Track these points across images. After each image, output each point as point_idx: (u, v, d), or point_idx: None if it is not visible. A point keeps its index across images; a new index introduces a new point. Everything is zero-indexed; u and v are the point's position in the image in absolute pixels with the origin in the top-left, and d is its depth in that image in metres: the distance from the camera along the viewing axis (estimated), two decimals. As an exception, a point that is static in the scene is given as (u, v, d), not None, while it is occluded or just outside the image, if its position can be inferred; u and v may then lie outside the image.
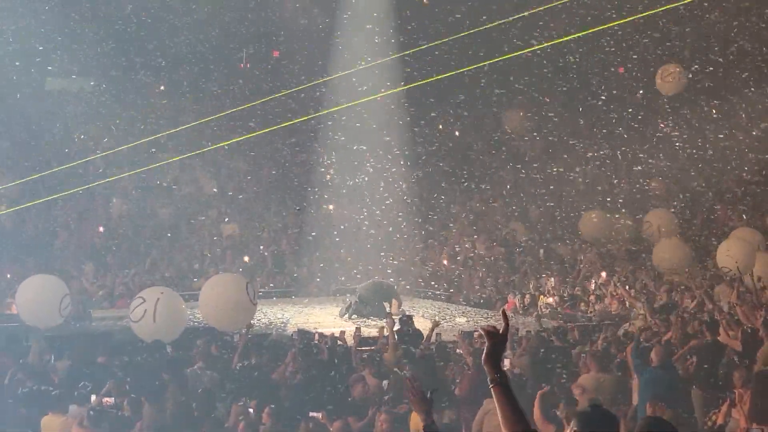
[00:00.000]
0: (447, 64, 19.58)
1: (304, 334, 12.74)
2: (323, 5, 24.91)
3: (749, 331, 11.31)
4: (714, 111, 23.81)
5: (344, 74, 19.26)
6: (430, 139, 26.23)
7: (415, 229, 22.02)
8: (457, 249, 21.59)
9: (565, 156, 24.57)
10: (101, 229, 21.02)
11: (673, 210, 21.62)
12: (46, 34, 23.06)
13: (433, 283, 20.29)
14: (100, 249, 20.17)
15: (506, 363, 10.44)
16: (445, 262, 21.07)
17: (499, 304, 17.61)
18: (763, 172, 23.13)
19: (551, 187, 24.17)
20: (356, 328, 12.75)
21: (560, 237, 22.10)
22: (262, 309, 15.87)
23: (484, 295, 18.66)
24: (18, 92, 23.31)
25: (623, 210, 22.18)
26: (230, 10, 25.17)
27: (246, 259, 20.42)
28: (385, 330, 12.24)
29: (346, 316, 16.71)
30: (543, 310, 16.62)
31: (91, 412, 8.37)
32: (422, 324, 14.19)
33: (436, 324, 12.53)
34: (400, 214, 21.78)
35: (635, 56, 25.18)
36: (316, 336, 12.34)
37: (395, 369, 10.59)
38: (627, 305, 15.66)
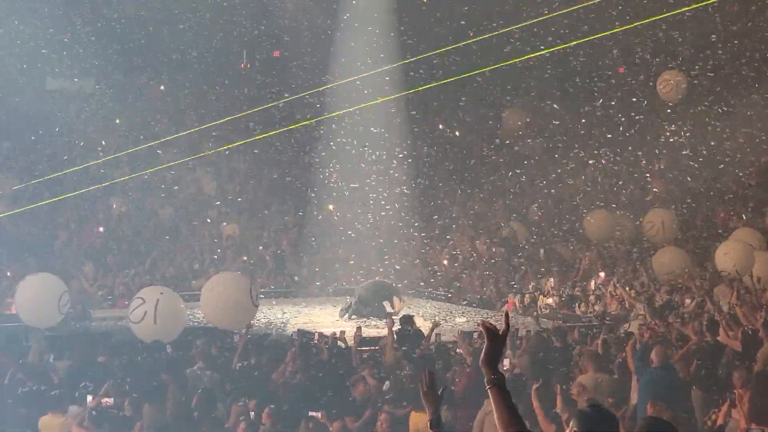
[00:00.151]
0: (448, 69, 19.64)
1: (304, 335, 12.74)
2: (323, 6, 24.91)
3: (750, 332, 11.32)
4: (717, 112, 23.79)
5: (348, 80, 19.24)
6: (431, 140, 26.23)
7: (415, 229, 22.01)
8: (457, 250, 21.58)
9: (566, 157, 24.58)
10: (101, 229, 21.03)
11: (673, 207, 21.66)
12: (47, 34, 23.08)
13: (432, 281, 20.28)
14: (101, 249, 20.17)
15: (506, 363, 10.44)
16: (445, 262, 21.07)
17: (499, 304, 17.62)
18: (764, 173, 23.14)
19: (551, 187, 24.16)
20: (357, 327, 12.75)
21: (560, 237, 22.10)
22: (262, 309, 15.87)
23: (484, 296, 18.66)
24: (18, 92, 23.30)
25: (624, 210, 22.20)
26: (231, 10, 25.17)
27: (244, 258, 20.42)
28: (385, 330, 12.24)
29: (346, 316, 16.71)
30: (542, 310, 16.62)
31: (93, 413, 8.39)
32: (422, 324, 14.19)
33: (436, 324, 12.54)
34: (401, 214, 21.77)
35: (637, 57, 25.20)
36: (316, 336, 12.34)
37: (396, 371, 10.60)
38: (627, 306, 15.66)
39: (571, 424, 3.99)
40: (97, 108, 24.81)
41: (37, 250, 18.83)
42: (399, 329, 12.84)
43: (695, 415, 10.12)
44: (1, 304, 15.49)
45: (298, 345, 11.39)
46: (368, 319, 16.36)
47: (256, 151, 24.67)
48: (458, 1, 23.63)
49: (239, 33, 26.21)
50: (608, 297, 16.66)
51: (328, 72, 23.32)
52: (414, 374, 9.75)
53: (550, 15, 18.02)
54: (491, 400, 3.81)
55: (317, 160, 23.63)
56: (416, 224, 22.08)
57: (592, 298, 17.02)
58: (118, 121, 24.54)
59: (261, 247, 21.48)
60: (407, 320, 13.31)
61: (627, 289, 16.52)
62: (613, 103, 25.03)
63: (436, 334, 12.38)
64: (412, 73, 22.28)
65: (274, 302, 18.08)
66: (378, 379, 10.26)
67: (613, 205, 22.49)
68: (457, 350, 11.62)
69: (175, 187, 23.40)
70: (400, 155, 23.21)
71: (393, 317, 13.84)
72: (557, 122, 25.79)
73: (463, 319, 16.51)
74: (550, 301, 17.34)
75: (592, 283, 18.17)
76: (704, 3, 20.22)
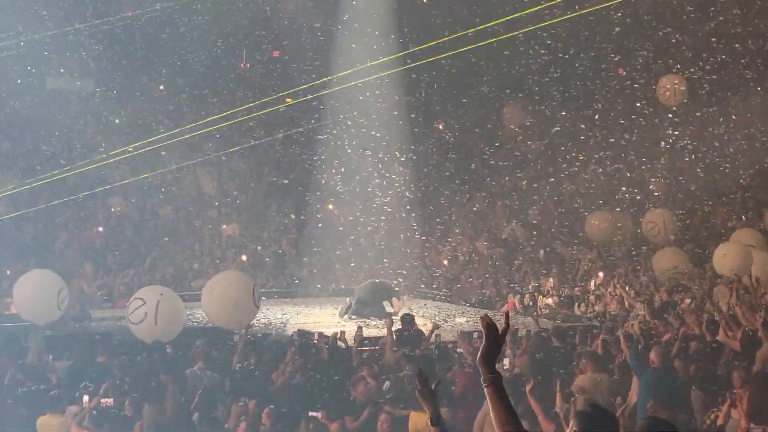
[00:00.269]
0: (449, 71, 19.63)
1: (303, 335, 12.73)
2: (324, 6, 24.90)
3: (750, 333, 11.32)
4: (717, 114, 23.80)
5: (347, 80, 19.23)
6: (431, 140, 26.22)
7: (415, 230, 22.01)
8: (457, 250, 21.58)
9: (566, 157, 24.58)
10: (101, 229, 21.03)
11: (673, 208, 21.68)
12: (47, 35, 23.06)
13: (433, 283, 20.28)
14: (100, 249, 20.17)
15: (506, 363, 10.43)
16: (445, 262, 21.07)
17: (499, 305, 17.62)
18: (763, 174, 23.14)
19: (551, 188, 24.16)
20: (357, 327, 12.74)
21: (560, 237, 22.10)
22: (262, 309, 15.86)
23: (484, 296, 18.67)
24: (18, 93, 23.31)
25: (624, 211, 22.19)
26: (231, 9, 25.16)
27: (244, 258, 20.42)
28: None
29: (346, 316, 16.71)
30: (542, 310, 16.62)
31: (93, 412, 8.39)
32: (422, 324, 14.18)
33: (435, 327, 12.53)
34: (401, 215, 21.77)
35: (638, 58, 25.20)
36: (316, 336, 12.33)
37: (396, 371, 10.59)
38: (626, 306, 15.65)
39: (571, 424, 3.99)
40: (97, 108, 24.82)
41: (37, 250, 18.84)
42: (399, 329, 12.84)
43: (695, 415, 10.11)
44: (1, 304, 15.48)
45: (297, 345, 11.38)
46: (368, 319, 16.36)
47: (255, 153, 24.69)
48: (458, 1, 23.63)
49: (239, 33, 26.20)
50: (608, 297, 16.66)
51: (328, 72, 23.32)
52: (414, 374, 9.72)
53: (551, 18, 18.00)
54: (488, 399, 3.80)
55: (317, 160, 23.64)
56: (416, 225, 22.09)
57: (592, 298, 17.03)
58: (117, 121, 24.53)
59: (261, 248, 21.47)
60: (407, 320, 13.30)
61: (627, 289, 16.53)
62: (606, 101, 25.05)
63: (436, 335, 12.37)
64: (414, 75, 22.30)
65: (275, 297, 18.12)
66: (378, 379, 10.25)
67: (609, 204, 22.48)
68: (458, 350, 11.61)
69: (173, 189, 23.42)
70: (401, 157, 23.23)
71: (393, 317, 13.83)
72: (557, 121, 25.80)
73: (463, 320, 16.51)
74: (549, 301, 17.33)
75: (592, 283, 18.18)
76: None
